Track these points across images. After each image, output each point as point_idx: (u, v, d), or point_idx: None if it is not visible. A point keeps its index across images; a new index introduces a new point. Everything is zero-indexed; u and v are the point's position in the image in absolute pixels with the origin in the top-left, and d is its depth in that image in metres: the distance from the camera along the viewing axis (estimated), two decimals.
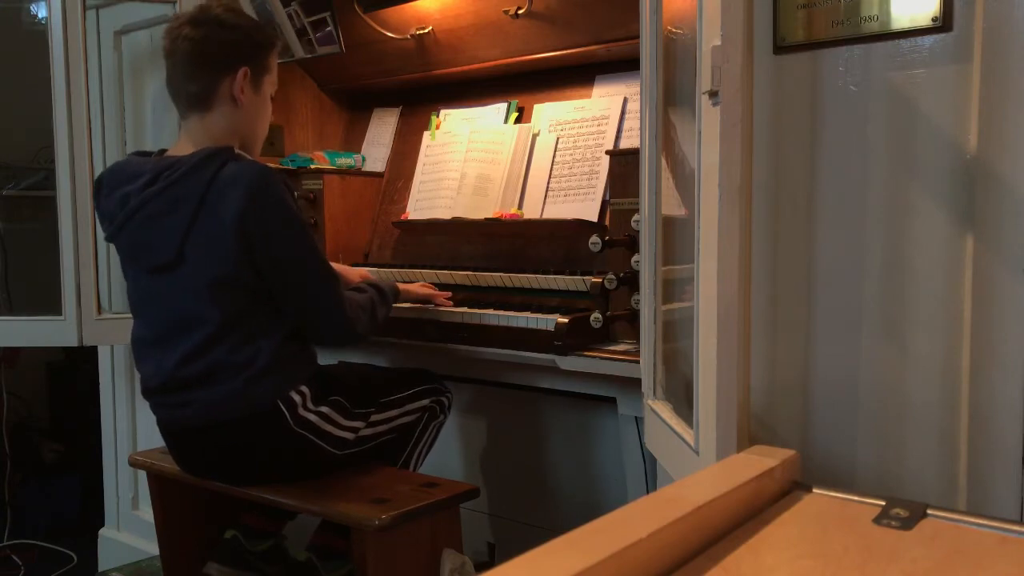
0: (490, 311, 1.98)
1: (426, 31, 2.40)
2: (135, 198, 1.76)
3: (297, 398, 1.77)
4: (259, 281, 1.74)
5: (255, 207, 1.69)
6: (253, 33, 1.86)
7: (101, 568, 2.99)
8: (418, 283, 2.16)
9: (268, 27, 2.06)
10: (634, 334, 1.81)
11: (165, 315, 1.78)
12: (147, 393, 1.85)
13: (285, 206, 1.73)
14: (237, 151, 1.79)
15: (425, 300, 2.08)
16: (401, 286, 2.05)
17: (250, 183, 1.69)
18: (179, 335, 1.76)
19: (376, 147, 2.68)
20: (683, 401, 1.40)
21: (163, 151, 1.87)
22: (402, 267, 2.36)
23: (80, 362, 3.53)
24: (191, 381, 1.75)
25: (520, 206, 2.27)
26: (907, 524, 0.82)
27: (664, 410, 1.46)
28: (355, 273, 2.21)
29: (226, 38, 1.81)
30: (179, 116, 1.87)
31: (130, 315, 1.88)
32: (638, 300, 1.72)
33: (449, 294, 2.13)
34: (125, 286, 1.91)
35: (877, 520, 0.83)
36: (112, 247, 1.92)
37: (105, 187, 1.83)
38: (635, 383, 1.67)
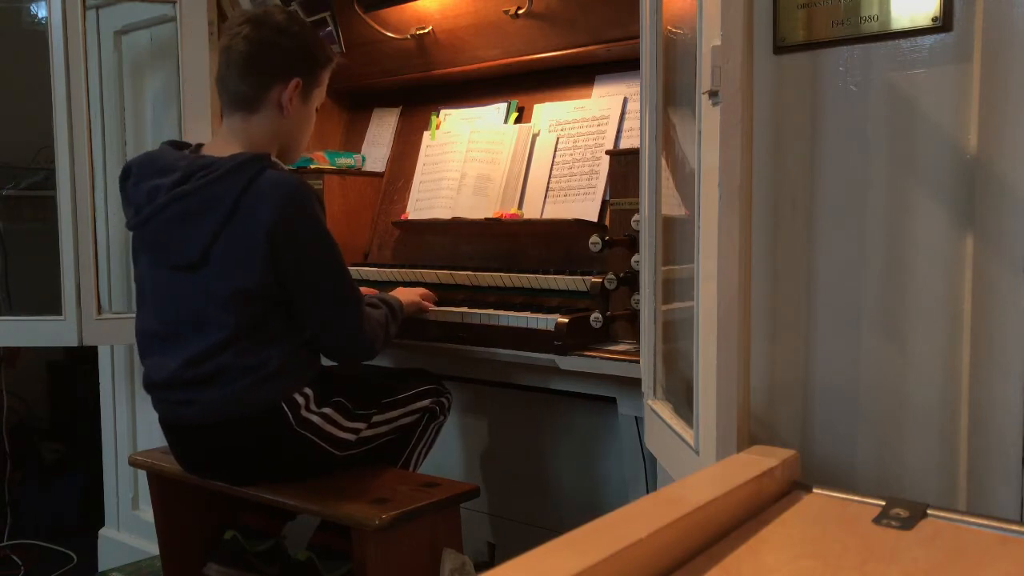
0: (490, 311, 1.98)
1: (426, 31, 2.40)
2: (164, 194, 1.73)
3: (301, 400, 1.77)
4: (281, 293, 1.74)
5: (288, 220, 1.69)
6: (311, 46, 1.86)
7: (101, 568, 2.99)
8: (398, 289, 2.11)
9: (326, 43, 2.05)
10: (634, 334, 1.81)
11: (180, 313, 1.77)
12: (150, 387, 1.84)
13: (318, 223, 1.73)
14: (273, 159, 1.78)
15: (421, 310, 2.07)
16: (402, 300, 2.02)
17: (286, 195, 1.69)
18: (191, 335, 1.75)
19: (376, 147, 2.68)
20: (683, 401, 1.40)
21: (200, 146, 1.86)
22: (402, 267, 2.35)
23: (80, 362, 3.53)
24: (197, 381, 1.74)
25: (520, 206, 2.27)
26: (907, 524, 0.82)
27: (664, 410, 1.45)
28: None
29: (284, 45, 1.81)
30: (222, 113, 1.86)
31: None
32: (638, 300, 1.72)
33: (434, 296, 2.12)
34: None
35: (877, 520, 0.83)
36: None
37: (134, 175, 1.81)
38: (635, 383, 1.66)
